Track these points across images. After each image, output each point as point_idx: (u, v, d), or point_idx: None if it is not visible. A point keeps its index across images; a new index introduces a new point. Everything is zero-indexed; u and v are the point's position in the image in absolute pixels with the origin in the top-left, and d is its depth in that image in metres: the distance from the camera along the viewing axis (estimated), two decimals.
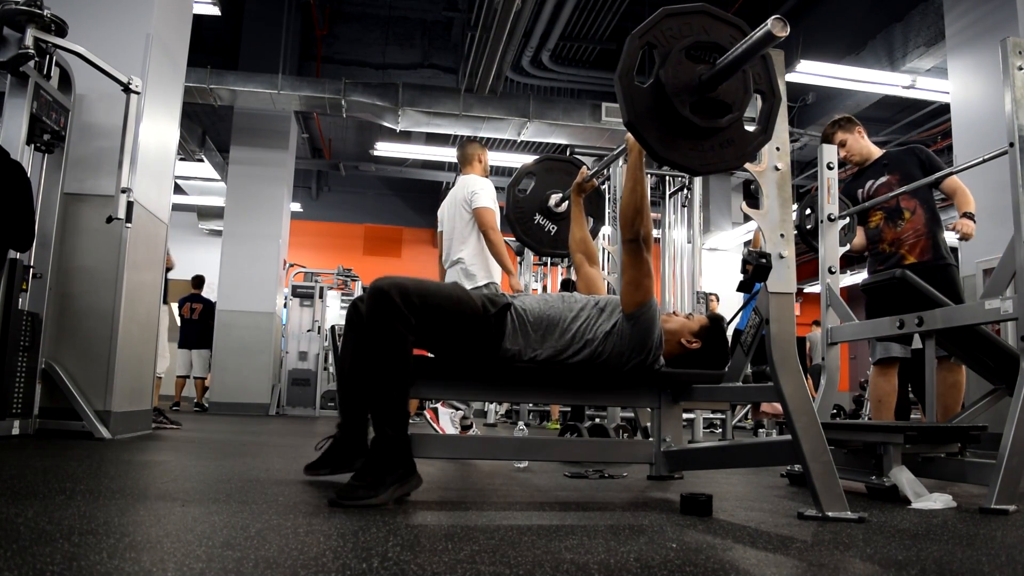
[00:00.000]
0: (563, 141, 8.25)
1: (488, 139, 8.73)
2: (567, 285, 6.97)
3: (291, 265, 9.22)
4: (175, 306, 8.69)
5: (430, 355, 2.10)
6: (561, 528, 1.49)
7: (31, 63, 3.08)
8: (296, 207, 11.03)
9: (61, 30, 3.23)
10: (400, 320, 1.80)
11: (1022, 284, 2.07)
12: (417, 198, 13.23)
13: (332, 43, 9.16)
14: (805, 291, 11.94)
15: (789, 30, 1.41)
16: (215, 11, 6.15)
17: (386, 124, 7.94)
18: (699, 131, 1.59)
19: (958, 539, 1.49)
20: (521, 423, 5.68)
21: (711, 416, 6.64)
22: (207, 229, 12.25)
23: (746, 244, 9.35)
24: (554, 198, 3.07)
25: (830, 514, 1.65)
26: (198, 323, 8.37)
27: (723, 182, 10.34)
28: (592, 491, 2.18)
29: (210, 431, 4.65)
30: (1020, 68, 2.08)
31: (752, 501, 2.04)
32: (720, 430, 6.31)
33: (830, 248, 2.94)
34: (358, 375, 2.04)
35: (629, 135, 2.15)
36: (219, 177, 10.19)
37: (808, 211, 3.37)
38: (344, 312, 10.16)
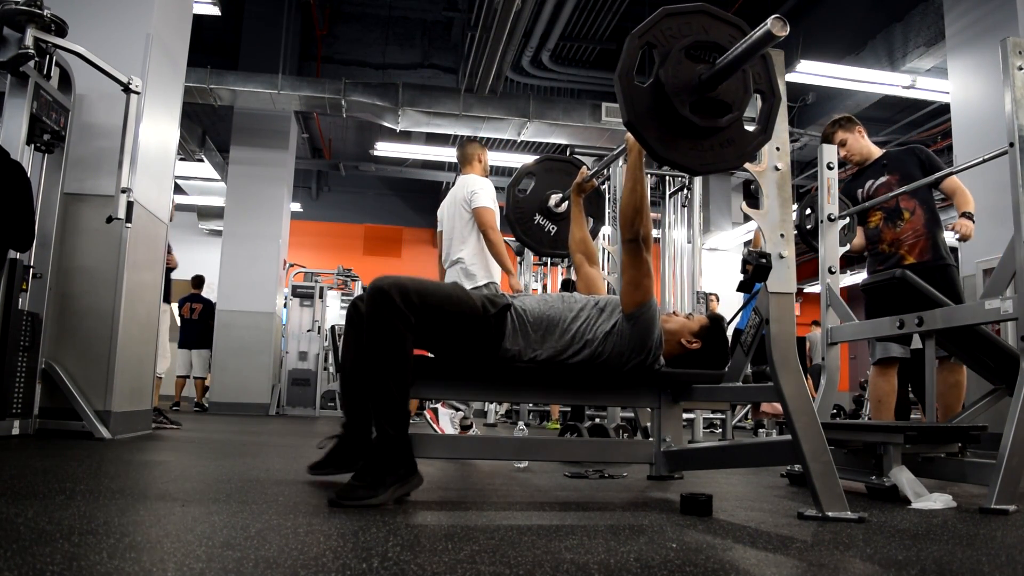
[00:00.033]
0: (563, 141, 8.25)
1: (488, 139, 8.73)
2: (567, 285, 6.97)
3: (291, 265, 9.22)
4: (175, 306, 8.69)
5: (430, 355, 2.10)
6: (561, 528, 1.49)
7: (31, 63, 3.08)
8: (296, 207, 11.03)
9: (61, 30, 3.23)
10: (400, 319, 1.80)
11: (1022, 284, 2.07)
12: (417, 198, 13.23)
13: (332, 43, 9.16)
14: (805, 291, 11.94)
15: (789, 30, 1.41)
16: (215, 11, 6.15)
17: (386, 124, 7.94)
18: (699, 131, 1.59)
19: (958, 539, 1.49)
20: (521, 423, 5.68)
21: (711, 416, 6.64)
22: (207, 229, 12.26)
23: (746, 244, 9.35)
24: (554, 198, 3.07)
25: (830, 514, 1.65)
26: (198, 323, 8.38)
27: (723, 182, 10.33)
28: (592, 491, 2.18)
29: (210, 431, 4.65)
30: (1020, 68, 2.08)
31: (752, 501, 2.04)
32: (720, 430, 6.30)
33: (830, 248, 2.94)
34: (360, 374, 2.04)
35: (629, 135, 2.16)
36: (219, 177, 10.19)
37: (808, 211, 3.36)
38: (344, 312, 10.21)
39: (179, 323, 8.55)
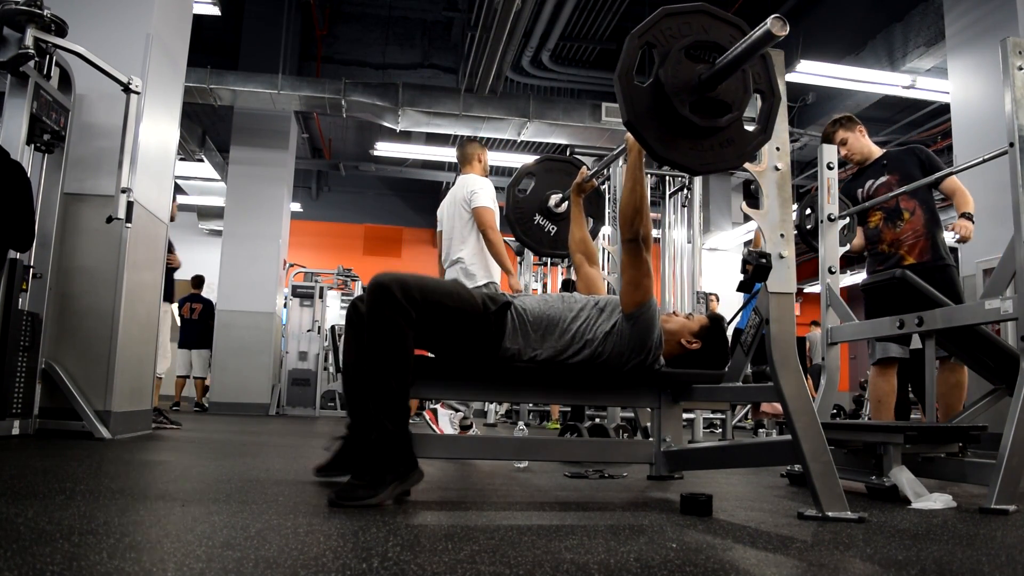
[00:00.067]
0: (563, 141, 8.25)
1: (488, 139, 8.73)
2: (567, 285, 6.97)
3: (291, 265, 9.22)
4: (175, 306, 8.69)
5: (430, 355, 2.10)
6: (561, 528, 1.49)
7: (31, 63, 3.08)
8: (296, 207, 11.03)
9: (61, 30, 3.23)
10: (401, 314, 1.79)
11: (1022, 284, 2.07)
12: (417, 198, 13.23)
13: (332, 43, 9.16)
14: (805, 291, 11.94)
15: (788, 29, 1.41)
16: (215, 11, 6.15)
17: (386, 124, 7.94)
18: (698, 130, 1.59)
19: (958, 539, 1.49)
20: (521, 423, 5.68)
21: (711, 416, 6.64)
22: (207, 229, 12.26)
23: (746, 244, 9.35)
24: (554, 198, 3.07)
25: (830, 514, 1.65)
26: (198, 323, 8.38)
27: (723, 182, 10.34)
28: (592, 491, 2.18)
29: (210, 431, 4.65)
30: (1020, 68, 2.08)
31: (752, 501, 2.04)
32: (720, 430, 6.30)
33: (830, 248, 2.94)
34: (361, 371, 2.04)
35: (629, 135, 2.15)
36: (219, 177, 10.19)
37: (808, 211, 3.36)
38: (344, 312, 10.21)
39: (178, 323, 8.55)
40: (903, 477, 2.08)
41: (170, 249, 5.27)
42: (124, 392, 3.57)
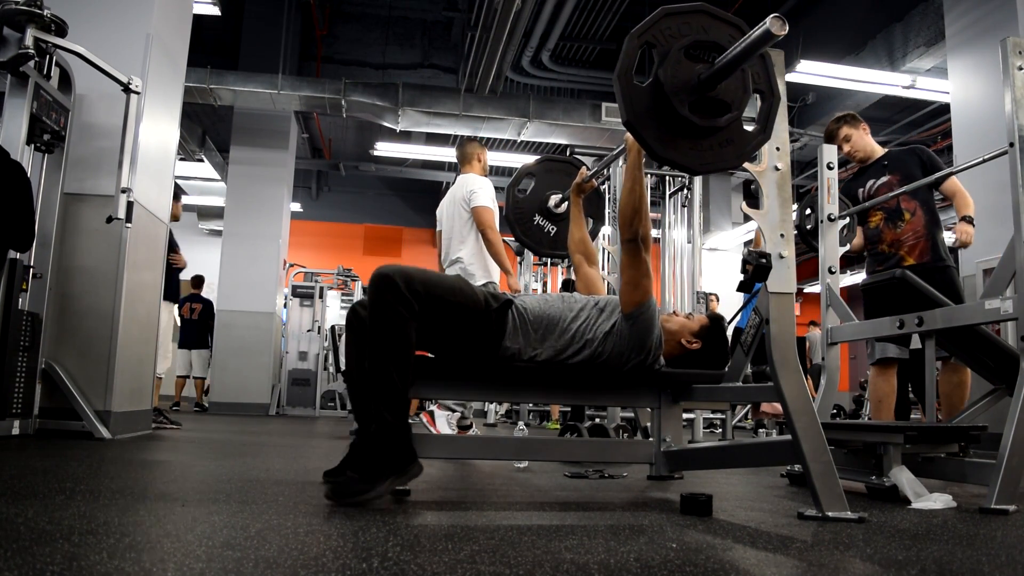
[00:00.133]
0: (563, 141, 8.25)
1: (488, 139, 8.73)
2: (567, 285, 6.96)
3: (291, 265, 9.22)
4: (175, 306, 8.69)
5: (430, 356, 2.10)
6: (561, 528, 1.49)
7: (31, 63, 3.08)
8: (296, 207, 11.03)
9: (61, 30, 3.23)
10: (403, 305, 1.79)
11: (1022, 284, 2.07)
12: (417, 198, 13.24)
13: (332, 43, 9.16)
14: (805, 291, 11.94)
15: (788, 29, 1.41)
16: (215, 11, 6.15)
17: (386, 124, 7.94)
18: (698, 130, 1.59)
19: (958, 539, 1.49)
20: (521, 423, 5.68)
21: (711, 416, 6.64)
22: (207, 229, 12.26)
23: (746, 244, 9.35)
24: (554, 199, 3.06)
25: (830, 514, 1.65)
26: (198, 323, 8.38)
27: (723, 182, 10.33)
28: (592, 491, 2.18)
29: (210, 431, 4.65)
30: (1020, 68, 2.08)
31: (752, 501, 2.04)
32: (720, 430, 6.30)
33: (830, 248, 2.94)
34: (364, 369, 2.03)
35: (628, 135, 2.15)
36: (219, 177, 10.19)
37: (808, 211, 3.36)
38: (344, 312, 10.21)
39: (178, 323, 8.55)
40: (903, 477, 2.08)
41: (175, 249, 5.27)
42: (124, 392, 3.57)
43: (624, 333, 2.06)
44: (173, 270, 5.23)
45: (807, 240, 3.32)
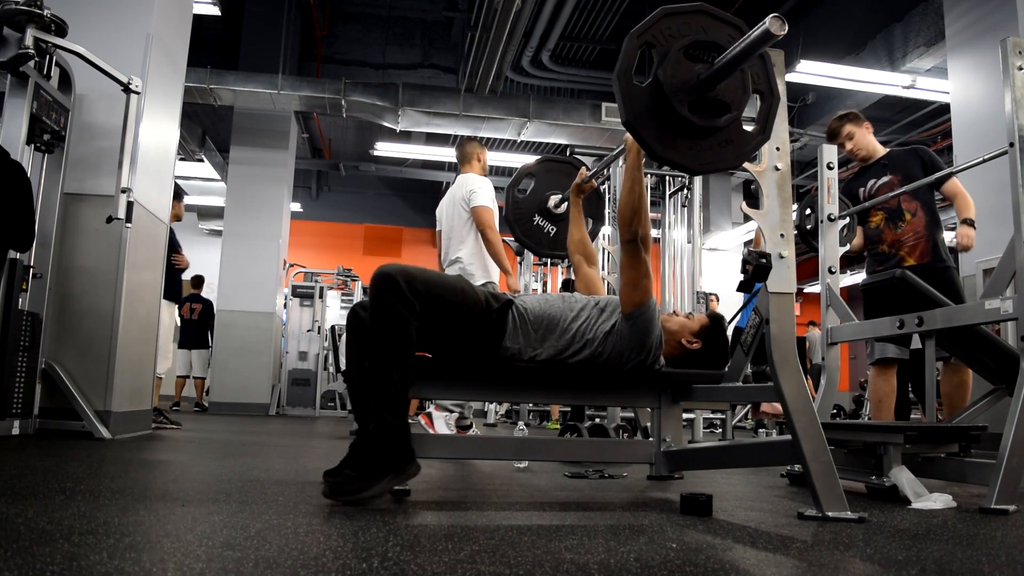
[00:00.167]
0: (563, 141, 8.25)
1: (488, 139, 8.73)
2: (567, 285, 6.96)
3: (291, 265, 9.22)
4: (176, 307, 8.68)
5: (429, 356, 2.10)
6: (561, 528, 1.49)
7: (31, 63, 3.08)
8: (296, 207, 11.03)
9: (61, 30, 3.23)
10: (404, 304, 1.79)
11: (1022, 284, 2.07)
12: (417, 198, 13.24)
13: (332, 43, 9.16)
14: (805, 291, 11.94)
15: (787, 29, 1.41)
16: (215, 11, 6.15)
17: (386, 124, 7.94)
18: (697, 130, 1.59)
19: (958, 539, 1.49)
20: (521, 423, 5.68)
21: (711, 416, 6.64)
22: (207, 229, 12.26)
23: (746, 244, 9.35)
24: (553, 199, 3.06)
25: (830, 514, 1.65)
26: (198, 323, 8.38)
27: (723, 182, 10.34)
28: (592, 491, 2.18)
29: (210, 431, 4.65)
30: (1020, 68, 2.08)
31: (752, 501, 2.04)
32: (720, 430, 6.30)
33: (830, 248, 2.94)
34: (366, 376, 2.03)
35: (628, 135, 2.15)
36: (219, 177, 10.19)
37: (808, 211, 3.36)
38: (344, 312, 10.21)
39: (178, 323, 8.55)
40: (903, 477, 2.08)
41: (178, 249, 5.27)
42: (124, 392, 3.57)
43: (624, 333, 2.06)
44: (175, 270, 5.22)
45: (807, 240, 3.32)
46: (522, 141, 8.50)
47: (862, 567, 1.21)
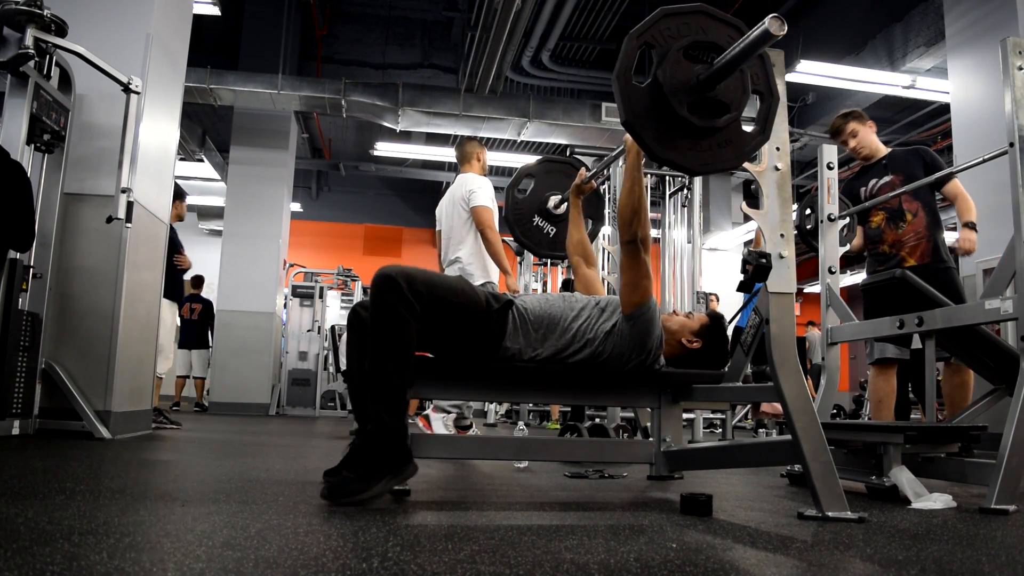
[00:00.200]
0: (563, 141, 8.25)
1: (488, 139, 8.73)
2: (568, 285, 6.96)
3: (291, 265, 9.22)
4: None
5: (430, 356, 2.10)
6: (561, 528, 1.49)
7: (31, 63, 3.08)
8: (296, 207, 11.03)
9: (61, 30, 3.23)
10: (405, 306, 1.79)
11: (1022, 284, 2.07)
12: (417, 198, 13.24)
13: (332, 43, 9.16)
14: (805, 291, 11.94)
15: (786, 29, 1.41)
16: (215, 11, 6.15)
17: (386, 124, 7.94)
18: (697, 131, 1.59)
19: (958, 539, 1.49)
20: (521, 423, 5.68)
21: (711, 416, 6.64)
22: (207, 229, 12.26)
23: (746, 244, 9.35)
24: (553, 200, 3.06)
25: (830, 514, 1.65)
26: (198, 323, 8.38)
27: (723, 182, 10.34)
28: (592, 491, 2.18)
29: (210, 431, 4.65)
30: (1020, 68, 2.08)
31: (752, 501, 2.04)
32: (720, 430, 6.30)
33: (830, 248, 2.94)
34: (365, 377, 2.03)
35: (627, 136, 2.15)
36: (219, 177, 10.19)
37: (808, 211, 3.36)
38: (344, 312, 10.21)
39: (178, 323, 8.54)
40: (903, 477, 2.08)
41: (180, 250, 5.26)
42: (124, 392, 3.57)
43: (625, 333, 2.06)
44: (177, 271, 5.22)
45: (807, 240, 3.32)
46: (522, 141, 8.50)
47: (862, 567, 1.21)
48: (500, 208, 3.68)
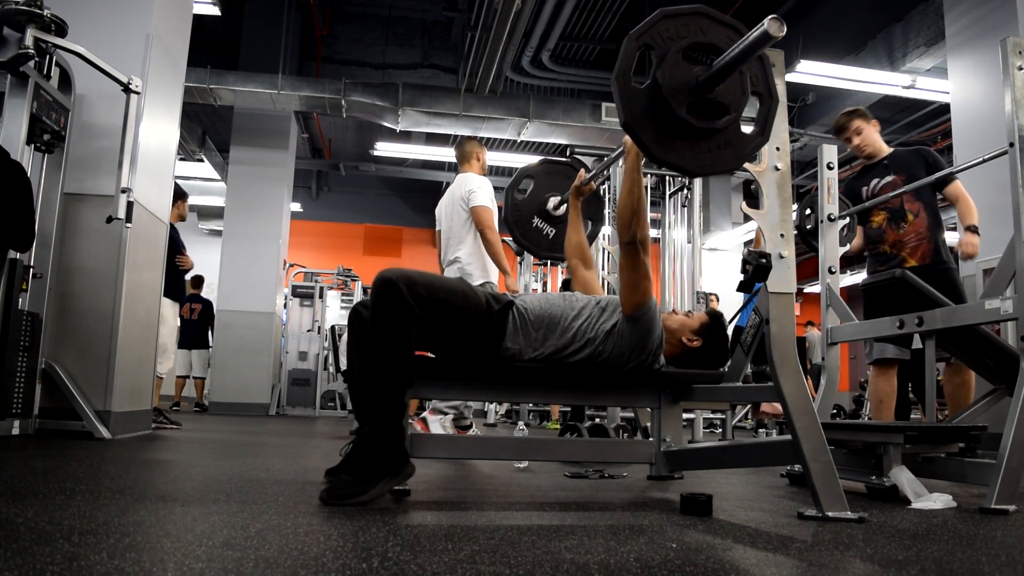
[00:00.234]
0: (563, 141, 8.25)
1: (488, 139, 8.73)
2: (567, 285, 6.96)
3: (291, 265, 9.22)
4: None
5: (430, 356, 2.10)
6: (561, 528, 1.49)
7: (31, 63, 3.08)
8: (296, 207, 11.03)
9: (61, 30, 3.23)
10: (405, 310, 1.80)
11: (1022, 284, 2.07)
12: (417, 198, 13.24)
13: (332, 43, 9.16)
14: (805, 291, 11.94)
15: (786, 30, 1.41)
16: (215, 11, 6.15)
17: (386, 124, 7.94)
18: (696, 132, 1.59)
19: (958, 539, 1.49)
20: (521, 423, 5.68)
21: (711, 416, 6.64)
22: (207, 229, 12.26)
23: (746, 244, 9.35)
24: (552, 201, 3.06)
25: (830, 514, 1.65)
26: (198, 323, 8.38)
27: (723, 182, 10.34)
28: (592, 491, 2.18)
29: (210, 431, 4.65)
30: (1020, 68, 2.08)
31: (752, 501, 2.04)
32: (720, 430, 6.31)
33: (830, 248, 2.94)
34: (364, 378, 2.03)
35: (627, 137, 2.15)
36: (219, 177, 10.19)
37: (808, 211, 3.37)
38: (344, 312, 10.21)
39: (178, 323, 8.54)
40: (903, 477, 2.08)
41: (182, 250, 5.26)
42: (124, 392, 3.57)
43: (625, 333, 2.06)
44: (179, 271, 5.21)
45: (807, 240, 3.32)
46: (522, 141, 8.50)
47: (862, 567, 1.21)
48: (500, 208, 3.68)
